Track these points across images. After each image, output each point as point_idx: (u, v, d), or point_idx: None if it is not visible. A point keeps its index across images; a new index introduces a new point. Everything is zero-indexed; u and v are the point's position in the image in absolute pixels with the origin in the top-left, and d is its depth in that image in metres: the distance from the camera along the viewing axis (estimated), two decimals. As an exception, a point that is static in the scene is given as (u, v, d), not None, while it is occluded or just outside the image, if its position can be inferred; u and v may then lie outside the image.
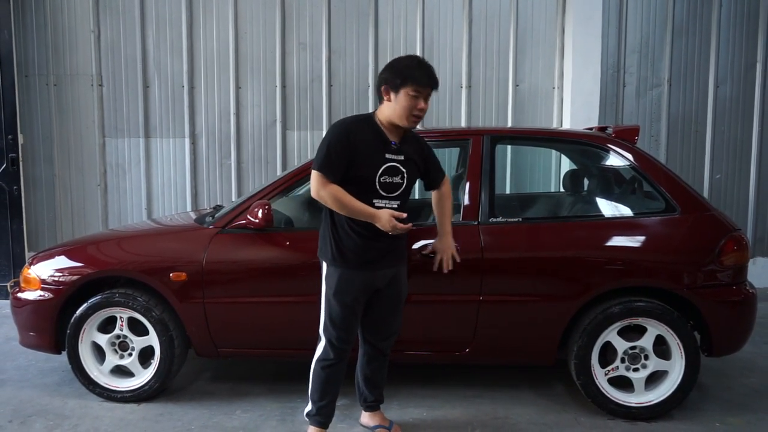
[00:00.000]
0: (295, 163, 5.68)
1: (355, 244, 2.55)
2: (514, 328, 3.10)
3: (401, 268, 2.73)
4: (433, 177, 2.79)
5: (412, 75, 2.49)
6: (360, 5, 5.72)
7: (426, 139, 2.87)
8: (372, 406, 2.91)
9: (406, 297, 2.80)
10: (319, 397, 2.70)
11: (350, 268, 2.57)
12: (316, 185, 2.51)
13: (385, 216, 2.46)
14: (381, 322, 2.74)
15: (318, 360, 2.68)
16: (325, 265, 2.64)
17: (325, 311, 2.64)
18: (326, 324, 2.64)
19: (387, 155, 2.54)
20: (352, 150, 2.49)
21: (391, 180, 2.56)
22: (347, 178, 2.50)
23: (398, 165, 2.57)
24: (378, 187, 2.53)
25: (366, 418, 2.93)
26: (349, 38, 5.73)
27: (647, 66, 5.75)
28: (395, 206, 2.57)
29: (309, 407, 2.75)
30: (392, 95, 2.52)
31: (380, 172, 2.52)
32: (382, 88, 2.55)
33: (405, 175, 2.59)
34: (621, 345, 3.03)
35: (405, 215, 2.50)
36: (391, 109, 2.53)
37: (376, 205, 2.54)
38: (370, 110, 5.59)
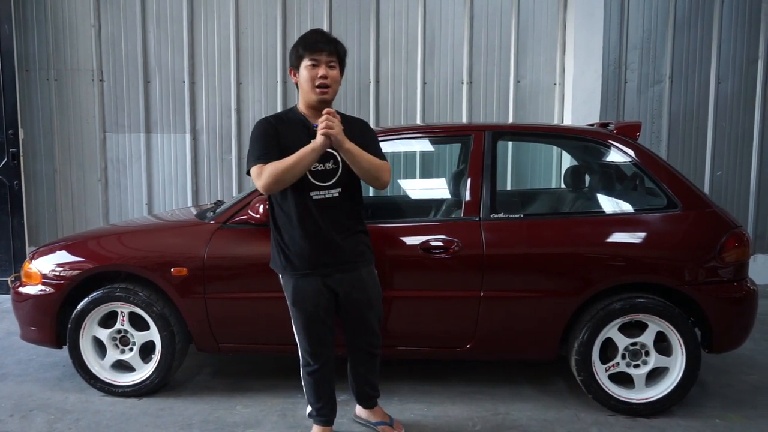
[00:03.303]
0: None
1: (301, 248, 2.44)
2: (515, 324, 3.09)
3: (363, 270, 2.56)
4: None
5: (302, 45, 2.40)
6: (361, 1, 5.71)
7: (428, 136, 2.83)
8: (370, 404, 2.87)
9: (380, 297, 2.67)
10: (314, 400, 2.69)
11: (301, 276, 2.48)
12: (256, 179, 2.38)
13: (319, 137, 2.28)
14: (357, 327, 2.63)
15: (302, 366, 2.67)
16: (280, 276, 2.60)
17: (293, 320, 2.61)
18: (297, 332, 2.61)
19: (312, 141, 2.39)
20: (277, 137, 2.41)
21: (322, 167, 2.43)
22: None
23: (328, 149, 2.39)
24: (310, 176, 2.41)
25: (365, 414, 2.90)
26: (350, 34, 5.72)
27: (649, 62, 5.74)
28: (336, 195, 2.44)
29: (309, 408, 2.76)
30: (296, 74, 2.45)
31: None
32: (289, 72, 2.51)
33: (338, 159, 2.43)
34: (622, 341, 3.03)
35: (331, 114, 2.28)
36: (301, 89, 2.46)
37: (314, 197, 2.42)
38: (371, 106, 5.66)
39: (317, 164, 2.41)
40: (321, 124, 2.26)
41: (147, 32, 5.74)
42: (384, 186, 2.49)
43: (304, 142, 2.39)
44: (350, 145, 2.33)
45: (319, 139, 2.28)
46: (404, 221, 3.39)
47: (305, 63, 2.39)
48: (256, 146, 2.44)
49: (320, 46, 2.38)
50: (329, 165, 2.44)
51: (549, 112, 5.78)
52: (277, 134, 2.43)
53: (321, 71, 2.37)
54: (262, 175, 2.36)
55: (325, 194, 2.44)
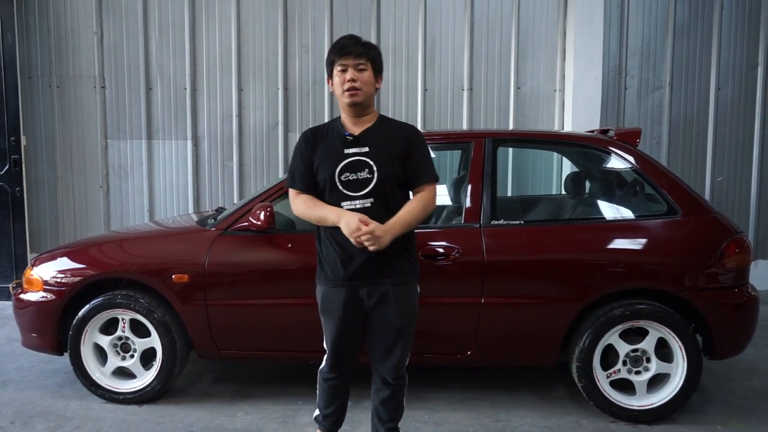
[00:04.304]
0: (296, 165, 5.68)
1: (334, 258, 2.35)
2: (516, 331, 3.09)
3: (398, 287, 2.37)
4: (411, 174, 2.37)
5: (332, 51, 2.37)
6: (362, 7, 5.74)
7: (428, 142, 2.73)
8: None
9: (412, 322, 2.43)
10: (324, 406, 2.62)
11: (330, 285, 2.39)
12: (290, 201, 2.44)
13: (350, 221, 2.21)
14: (378, 347, 2.44)
15: (320, 370, 2.59)
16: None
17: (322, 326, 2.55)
18: (325, 338, 2.54)
19: (345, 150, 2.34)
20: (311, 154, 2.39)
21: (355, 177, 2.31)
22: (316, 185, 2.39)
23: (363, 158, 2.31)
24: (340, 186, 2.31)
25: None
26: (351, 41, 5.73)
27: (648, 68, 5.76)
28: (368, 205, 2.30)
29: (316, 412, 2.68)
30: (331, 82, 2.42)
31: (339, 169, 2.32)
32: (327, 81, 2.47)
33: (374, 169, 2.30)
34: (623, 348, 3.03)
35: (370, 225, 2.19)
36: (336, 97, 2.43)
37: (344, 207, 2.31)
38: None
39: (348, 174, 2.32)
40: (363, 242, 2.21)
41: (149, 39, 5.77)
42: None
43: (335, 153, 2.35)
44: (395, 232, 2.26)
45: (342, 224, 2.23)
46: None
47: (336, 69, 2.35)
48: (292, 164, 2.47)
49: (347, 50, 2.32)
50: (363, 174, 2.31)
51: (549, 119, 5.79)
52: (308, 149, 2.41)
53: (348, 75, 2.31)
54: (293, 202, 2.44)
55: (356, 204, 2.31)
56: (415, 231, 2.45)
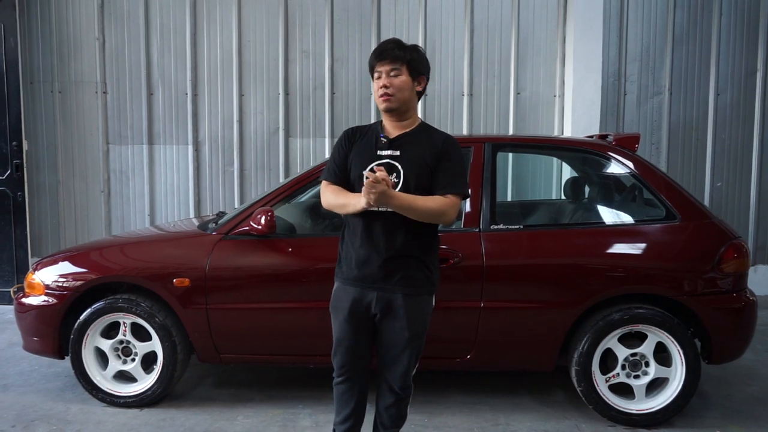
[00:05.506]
0: (297, 170, 5.71)
1: (351, 258, 2.35)
2: (515, 335, 3.11)
3: (409, 298, 2.32)
4: (435, 182, 2.30)
5: (372, 55, 2.37)
6: (362, 13, 5.77)
7: None
8: None
9: (422, 333, 2.38)
10: (335, 413, 2.55)
11: (343, 283, 2.39)
12: (321, 191, 2.42)
13: (360, 200, 2.19)
14: (385, 354, 2.41)
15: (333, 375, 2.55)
16: None
17: None
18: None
19: (378, 152, 2.32)
20: (347, 151, 2.39)
21: None
22: (348, 182, 2.38)
23: (393, 162, 2.28)
24: None
25: None
26: (351, 46, 5.77)
27: (648, 74, 5.78)
28: (391, 209, 2.25)
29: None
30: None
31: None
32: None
33: (401, 174, 2.27)
34: (622, 352, 3.04)
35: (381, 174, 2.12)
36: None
37: (370, 209, 2.26)
38: (373, 119, 5.69)
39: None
40: (363, 189, 2.15)
41: (150, 45, 5.80)
42: (447, 224, 2.40)
43: (368, 154, 2.34)
44: (398, 201, 2.19)
45: (361, 202, 2.20)
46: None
47: (374, 75, 2.36)
48: (330, 157, 2.47)
49: (383, 55, 2.32)
50: (391, 178, 2.24)
51: (549, 124, 5.81)
52: (349, 147, 2.40)
53: (382, 81, 2.31)
54: (323, 192, 2.40)
55: (377, 207, 2.24)
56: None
